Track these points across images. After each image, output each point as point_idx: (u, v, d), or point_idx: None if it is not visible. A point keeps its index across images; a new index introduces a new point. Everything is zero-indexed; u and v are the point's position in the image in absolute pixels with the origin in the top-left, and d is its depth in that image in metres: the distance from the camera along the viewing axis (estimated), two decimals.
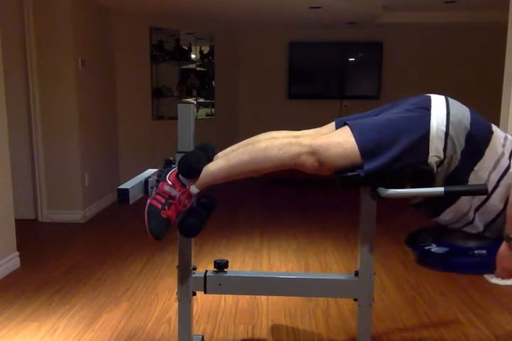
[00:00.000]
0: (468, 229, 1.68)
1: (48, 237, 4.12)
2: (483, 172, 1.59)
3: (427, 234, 1.84)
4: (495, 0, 4.48)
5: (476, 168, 1.59)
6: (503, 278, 1.67)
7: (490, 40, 6.13)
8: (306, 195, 5.86)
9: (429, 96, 1.66)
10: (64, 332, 2.46)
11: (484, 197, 1.61)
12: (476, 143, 1.58)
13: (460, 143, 1.56)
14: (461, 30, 6.43)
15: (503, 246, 1.59)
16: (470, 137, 1.57)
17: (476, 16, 5.88)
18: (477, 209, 1.63)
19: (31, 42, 4.22)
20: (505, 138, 1.64)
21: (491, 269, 1.64)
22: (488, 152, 1.59)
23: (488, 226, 1.65)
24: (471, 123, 1.58)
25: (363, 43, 6.70)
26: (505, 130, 3.04)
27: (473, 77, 6.56)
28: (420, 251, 1.76)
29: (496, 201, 1.61)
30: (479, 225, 1.65)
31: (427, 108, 1.60)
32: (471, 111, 1.63)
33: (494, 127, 1.64)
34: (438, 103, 1.62)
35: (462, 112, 1.60)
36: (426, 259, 1.76)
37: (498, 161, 1.59)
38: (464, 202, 1.62)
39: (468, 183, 1.61)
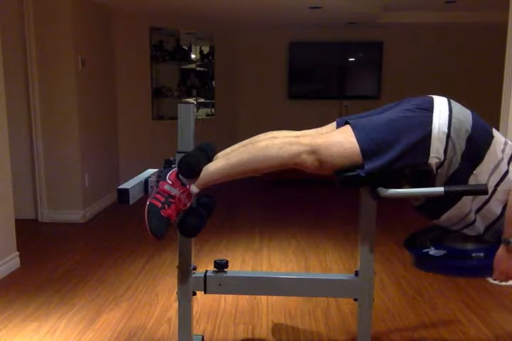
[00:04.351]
0: (468, 231, 1.68)
1: (48, 237, 4.12)
2: (483, 176, 1.59)
3: (425, 236, 1.83)
4: (495, 0, 4.48)
5: (475, 172, 1.59)
6: (500, 281, 1.67)
7: (490, 40, 6.12)
8: (306, 195, 5.86)
9: (432, 98, 1.66)
10: (64, 332, 2.46)
11: (484, 199, 1.60)
12: (477, 146, 1.58)
13: (461, 146, 1.56)
14: (461, 30, 6.42)
15: (501, 249, 1.59)
16: (470, 140, 1.57)
17: (476, 16, 5.87)
18: (478, 211, 1.63)
19: (31, 42, 4.22)
20: (505, 143, 1.64)
21: (489, 272, 1.63)
22: (487, 156, 1.59)
23: (488, 228, 1.65)
24: (473, 127, 1.58)
25: (363, 43, 6.70)
26: (505, 130, 3.03)
27: (473, 78, 6.56)
28: (418, 254, 1.75)
29: (494, 206, 1.61)
30: (480, 227, 1.65)
31: (428, 109, 1.60)
32: (472, 114, 1.62)
33: (495, 131, 1.64)
34: (440, 104, 1.61)
35: (464, 115, 1.60)
36: (424, 262, 1.76)
37: (497, 166, 1.60)
38: (465, 204, 1.61)
39: None
